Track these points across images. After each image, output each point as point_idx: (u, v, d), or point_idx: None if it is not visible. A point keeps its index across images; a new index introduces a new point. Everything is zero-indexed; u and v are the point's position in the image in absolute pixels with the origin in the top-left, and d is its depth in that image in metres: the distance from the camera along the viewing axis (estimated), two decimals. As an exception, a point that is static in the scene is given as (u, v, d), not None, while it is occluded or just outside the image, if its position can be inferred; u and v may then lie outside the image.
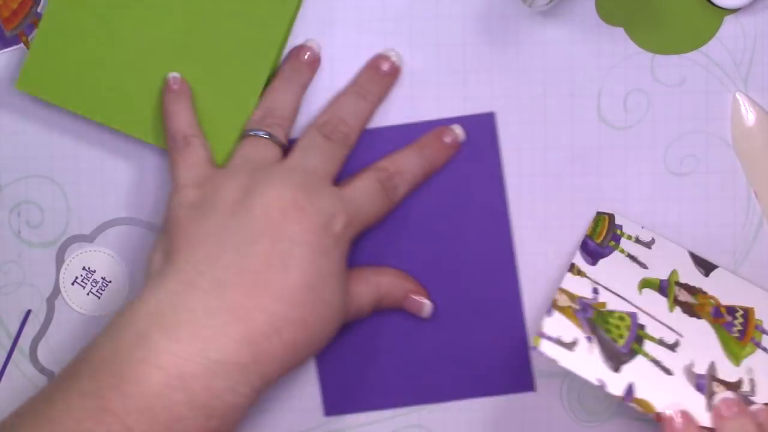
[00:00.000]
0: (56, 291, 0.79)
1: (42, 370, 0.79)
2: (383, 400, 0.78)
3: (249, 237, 0.69)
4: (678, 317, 0.76)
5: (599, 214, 0.78)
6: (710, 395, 0.74)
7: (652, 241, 0.77)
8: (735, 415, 0.71)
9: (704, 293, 0.77)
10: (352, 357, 0.78)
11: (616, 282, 0.76)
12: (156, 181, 0.78)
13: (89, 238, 0.79)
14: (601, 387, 0.72)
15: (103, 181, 0.78)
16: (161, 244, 0.72)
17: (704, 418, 0.73)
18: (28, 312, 0.79)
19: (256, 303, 0.68)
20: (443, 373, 0.78)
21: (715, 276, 0.78)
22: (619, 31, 0.76)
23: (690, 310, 0.76)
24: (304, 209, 0.70)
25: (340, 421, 0.79)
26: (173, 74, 0.75)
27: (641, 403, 0.73)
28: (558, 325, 0.73)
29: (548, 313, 0.73)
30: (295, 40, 0.77)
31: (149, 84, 0.75)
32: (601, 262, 0.77)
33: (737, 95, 0.76)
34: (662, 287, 0.76)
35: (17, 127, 0.78)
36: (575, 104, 0.77)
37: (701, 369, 0.75)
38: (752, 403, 0.74)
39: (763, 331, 0.77)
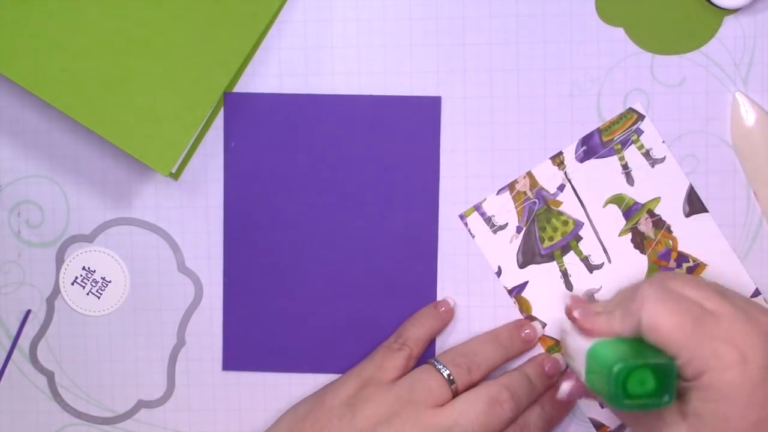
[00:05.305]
0: (56, 291, 0.79)
1: (42, 370, 0.79)
2: (282, 364, 0.79)
3: None
4: (621, 244, 0.75)
5: (630, 110, 0.76)
6: None
7: (662, 159, 0.76)
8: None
9: (668, 232, 0.76)
10: (259, 317, 0.79)
11: (589, 187, 0.75)
12: (156, 181, 0.78)
13: (89, 238, 0.79)
14: (497, 274, 0.72)
15: (103, 181, 0.78)
16: (312, 403, 0.76)
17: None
18: (28, 312, 0.79)
19: None
20: (349, 345, 0.79)
21: (696, 220, 0.76)
22: (619, 31, 0.77)
23: (639, 242, 0.75)
24: None
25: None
26: (450, 299, 0.77)
27: (521, 300, 0.73)
28: (499, 205, 0.73)
29: (499, 191, 0.73)
30: (294, 40, 0.77)
31: (103, 71, 0.73)
32: (591, 162, 0.75)
33: (737, 95, 0.76)
34: (631, 210, 0.76)
35: (17, 127, 0.78)
36: (575, 104, 0.77)
37: (603, 297, 0.74)
38: None
39: None
